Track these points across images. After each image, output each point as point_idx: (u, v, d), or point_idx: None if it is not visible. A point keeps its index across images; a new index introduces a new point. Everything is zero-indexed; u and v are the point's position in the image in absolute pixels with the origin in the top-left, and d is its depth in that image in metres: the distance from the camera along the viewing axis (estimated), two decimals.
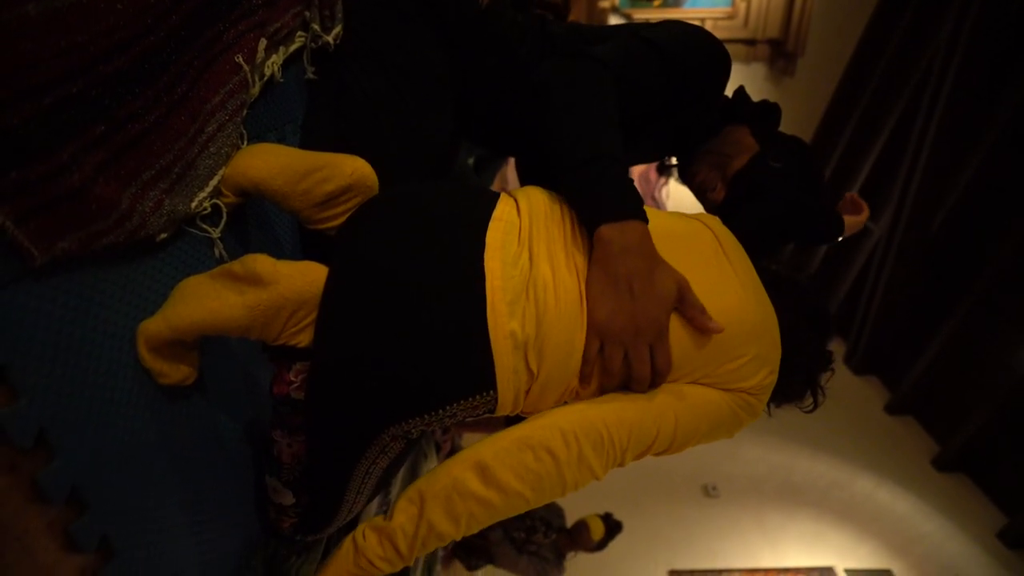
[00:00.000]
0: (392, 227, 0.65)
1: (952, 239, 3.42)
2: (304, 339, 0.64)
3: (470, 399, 0.60)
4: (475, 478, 0.60)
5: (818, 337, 0.76)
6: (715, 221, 0.78)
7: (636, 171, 4.04)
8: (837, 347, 3.91)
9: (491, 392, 0.60)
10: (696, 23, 0.96)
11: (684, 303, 0.63)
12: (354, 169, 0.70)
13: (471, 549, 2.41)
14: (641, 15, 4.17)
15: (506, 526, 2.40)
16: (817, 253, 4.40)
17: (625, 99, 0.78)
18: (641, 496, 3.36)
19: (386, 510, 0.65)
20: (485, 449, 0.61)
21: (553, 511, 2.55)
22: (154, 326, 0.61)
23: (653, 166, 1.21)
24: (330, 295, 0.62)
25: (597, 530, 2.40)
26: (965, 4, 3.10)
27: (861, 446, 3.64)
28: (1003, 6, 2.96)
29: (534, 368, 0.61)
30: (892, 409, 3.86)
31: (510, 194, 0.72)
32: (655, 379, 0.62)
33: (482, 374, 0.59)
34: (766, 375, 0.68)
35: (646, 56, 0.87)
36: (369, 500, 0.78)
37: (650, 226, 0.66)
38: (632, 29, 0.94)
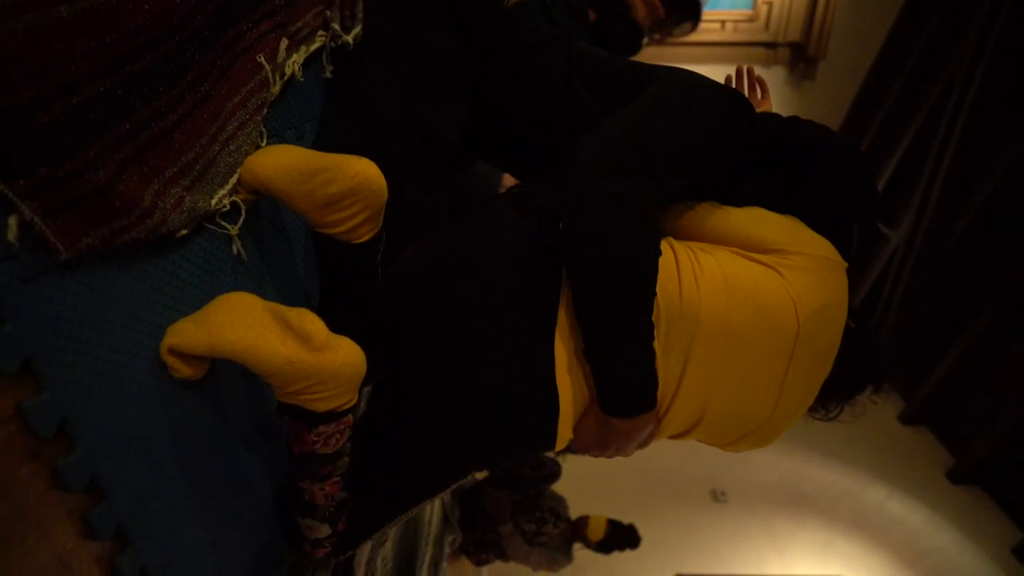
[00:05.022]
0: (457, 357, 0.75)
1: (972, 249, 3.36)
2: (320, 407, 0.66)
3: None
4: None
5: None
6: (815, 292, 0.76)
7: None
8: None
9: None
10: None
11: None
12: (356, 172, 0.69)
13: (481, 544, 2.40)
14: None
15: (517, 519, 2.40)
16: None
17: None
18: (649, 499, 3.35)
19: None
20: None
21: (559, 502, 2.54)
22: (193, 336, 0.60)
23: None
24: (433, 384, 0.75)
25: (596, 530, 2.38)
26: (993, 10, 3.04)
27: (874, 456, 3.58)
28: None
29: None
30: (906, 419, 3.79)
31: None
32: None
33: (550, 443, 0.77)
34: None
35: (698, 147, 0.81)
36: None
37: (719, 318, 0.74)
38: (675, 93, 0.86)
